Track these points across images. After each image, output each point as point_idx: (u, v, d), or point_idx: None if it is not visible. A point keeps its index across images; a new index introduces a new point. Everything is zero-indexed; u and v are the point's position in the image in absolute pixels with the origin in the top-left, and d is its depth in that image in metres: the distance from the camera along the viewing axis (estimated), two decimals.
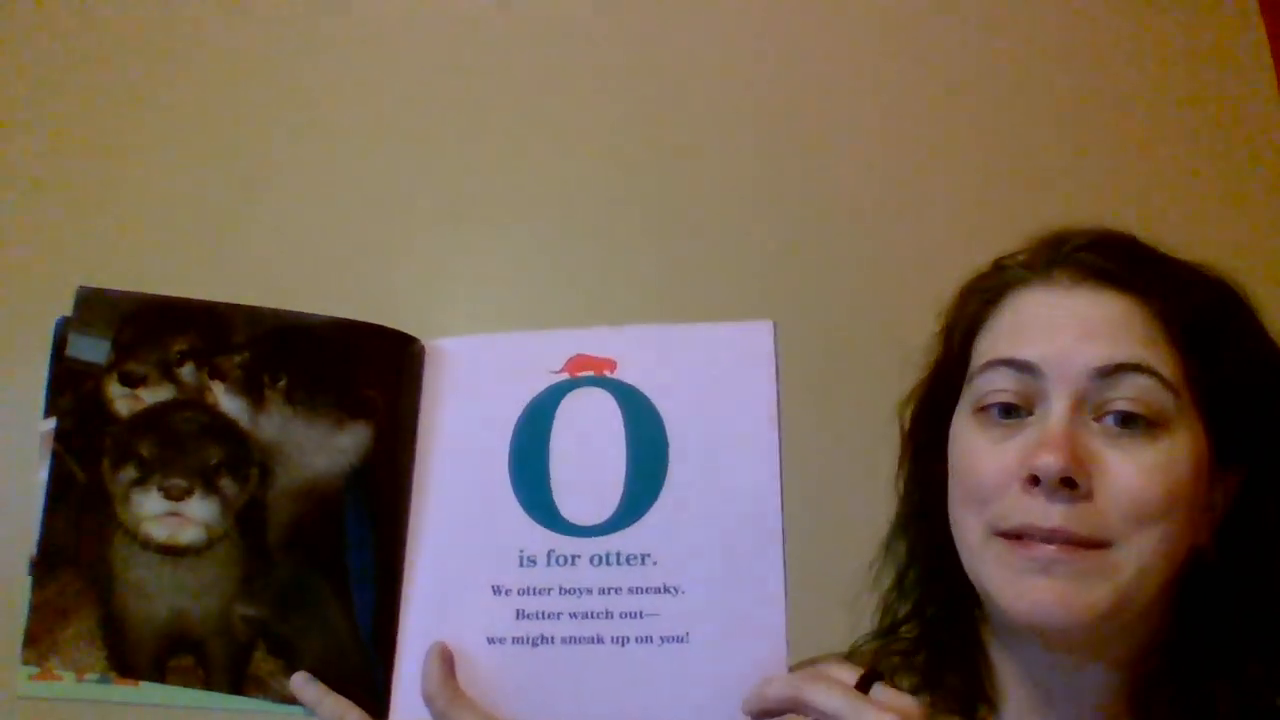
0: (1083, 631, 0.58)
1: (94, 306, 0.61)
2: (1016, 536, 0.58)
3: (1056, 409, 0.58)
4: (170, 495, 0.58)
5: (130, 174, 1.26)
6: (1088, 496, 0.56)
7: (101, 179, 1.26)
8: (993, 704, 0.65)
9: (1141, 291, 0.60)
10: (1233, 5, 1.46)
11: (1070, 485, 0.56)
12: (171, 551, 0.58)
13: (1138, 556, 0.56)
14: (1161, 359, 0.58)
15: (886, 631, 0.69)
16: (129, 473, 0.59)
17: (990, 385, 0.61)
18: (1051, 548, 0.56)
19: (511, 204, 1.32)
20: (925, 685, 0.66)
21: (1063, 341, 0.59)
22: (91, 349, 0.60)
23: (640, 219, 1.33)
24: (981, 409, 0.61)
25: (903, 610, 0.69)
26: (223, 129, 1.28)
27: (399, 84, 1.34)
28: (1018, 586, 0.57)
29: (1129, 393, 0.57)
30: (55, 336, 0.60)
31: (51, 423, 0.59)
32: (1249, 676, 0.58)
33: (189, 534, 0.58)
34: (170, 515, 0.58)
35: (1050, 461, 0.56)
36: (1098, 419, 0.58)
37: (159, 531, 0.58)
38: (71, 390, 0.60)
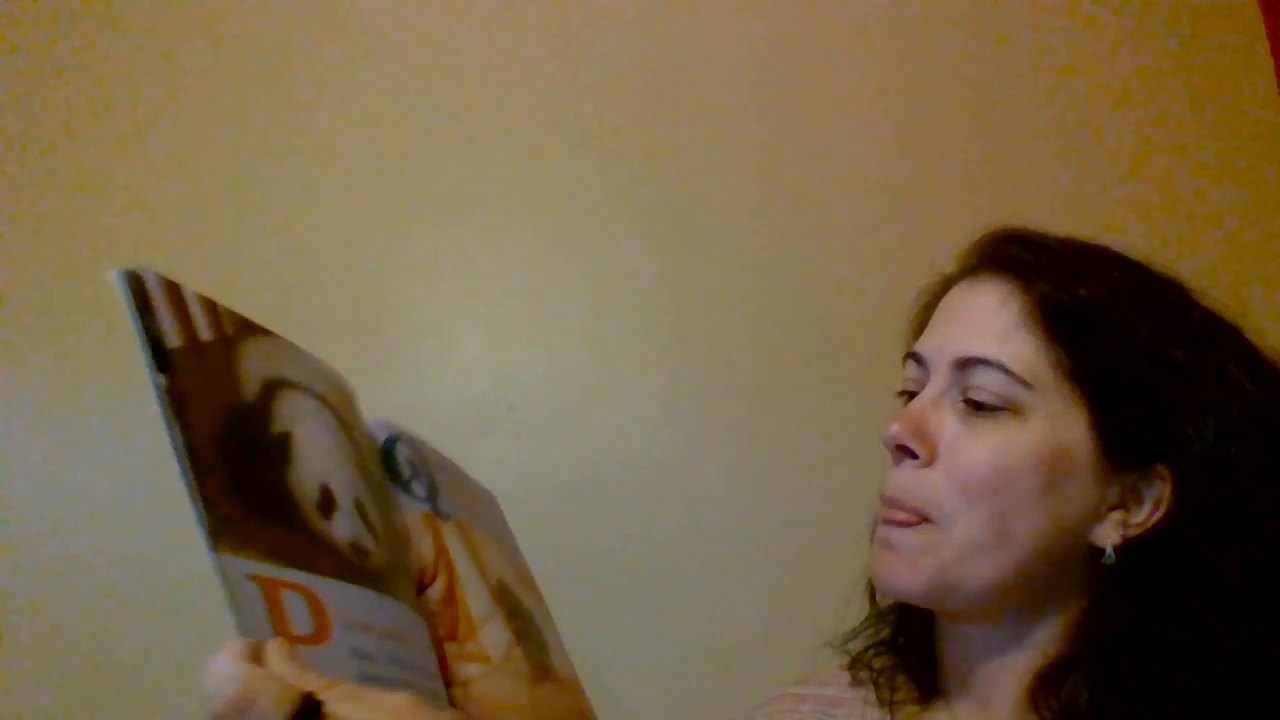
0: (925, 602, 0.64)
1: None
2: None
3: (926, 392, 0.64)
4: None
5: (126, 176, 1.27)
6: (929, 464, 0.62)
7: (98, 181, 1.26)
8: (937, 679, 0.70)
9: (1021, 276, 0.63)
10: (1233, 5, 1.49)
11: (907, 453, 0.62)
12: None
13: (963, 534, 0.60)
14: (1019, 350, 0.61)
15: (878, 618, 0.74)
16: None
17: (905, 374, 0.68)
18: (889, 528, 0.63)
19: (504, 206, 1.36)
20: (900, 665, 0.72)
21: (939, 335, 0.66)
22: None
23: (629, 226, 1.37)
24: (899, 395, 0.69)
25: (884, 600, 0.73)
26: (219, 129, 1.30)
27: (393, 87, 1.37)
28: (873, 556, 0.65)
29: (978, 382, 0.61)
30: None
31: None
32: (1153, 677, 0.58)
33: None
34: None
35: (890, 431, 0.63)
36: (962, 401, 0.62)
37: None
38: None
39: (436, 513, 0.74)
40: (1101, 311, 0.61)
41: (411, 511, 0.71)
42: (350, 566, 0.53)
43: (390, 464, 0.71)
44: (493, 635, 0.72)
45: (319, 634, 0.47)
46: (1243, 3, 1.48)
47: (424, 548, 0.70)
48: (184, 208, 1.26)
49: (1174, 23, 1.48)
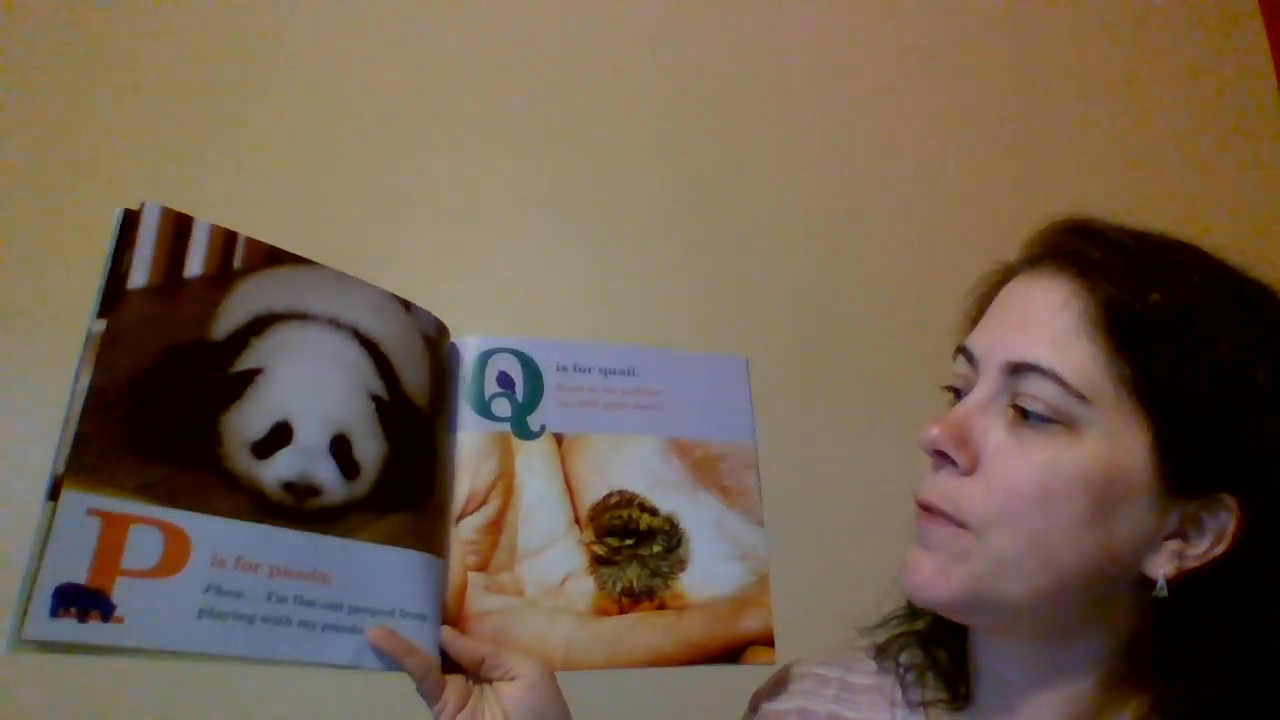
0: (952, 613, 0.59)
1: None
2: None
3: (974, 394, 0.59)
4: None
5: (124, 185, 1.22)
6: (969, 473, 0.57)
7: (91, 182, 1.22)
8: (968, 684, 0.66)
9: (1086, 275, 0.57)
10: (1233, 5, 1.56)
11: (946, 459, 0.58)
12: None
13: (997, 549, 0.56)
14: (1077, 359, 0.55)
15: (911, 614, 0.70)
16: None
17: (954, 370, 0.63)
18: (928, 518, 0.59)
19: (507, 204, 1.31)
20: (929, 665, 0.68)
21: (994, 332, 0.60)
22: None
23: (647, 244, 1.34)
24: (946, 390, 0.64)
25: None
26: (218, 128, 1.27)
27: (395, 85, 1.32)
28: (907, 556, 0.60)
29: (1029, 390, 0.56)
30: None
31: None
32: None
33: None
34: None
35: (929, 435, 0.58)
36: (1011, 408, 0.57)
37: None
38: None
39: (520, 432, 0.74)
40: (1174, 320, 0.55)
41: (476, 434, 0.72)
42: (267, 505, 0.58)
43: (474, 383, 0.73)
44: (544, 565, 0.73)
45: (160, 569, 0.54)
46: (1243, 3, 1.56)
47: (482, 472, 0.72)
48: (183, 204, 1.23)
49: (1174, 23, 1.52)
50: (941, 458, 0.59)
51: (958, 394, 0.62)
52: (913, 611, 0.70)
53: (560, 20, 1.39)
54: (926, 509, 0.59)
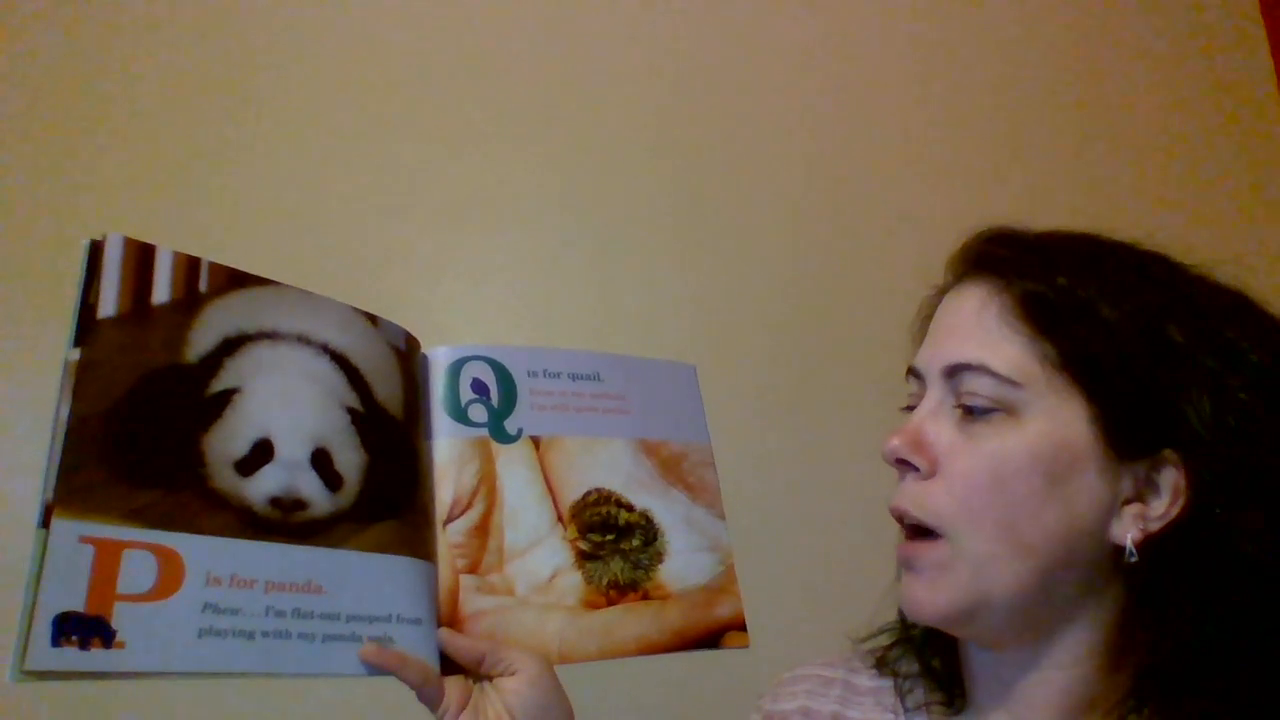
0: (952, 626, 0.62)
1: None
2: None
3: (923, 404, 0.63)
4: None
5: (127, 198, 1.23)
6: (930, 476, 0.61)
7: (96, 189, 1.21)
8: (964, 689, 0.68)
9: (1000, 275, 0.62)
10: (1233, 5, 1.55)
11: (909, 466, 0.62)
12: None
13: (972, 551, 0.59)
14: (1003, 350, 0.59)
15: (904, 623, 0.72)
16: None
17: (907, 390, 0.67)
18: (906, 545, 0.62)
19: (506, 204, 1.32)
20: (925, 672, 0.70)
21: (930, 346, 0.65)
22: None
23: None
24: (904, 411, 0.67)
25: None
26: (217, 130, 1.27)
27: (394, 85, 1.33)
28: (902, 580, 0.63)
29: (968, 388, 0.60)
30: None
31: None
32: (1203, 685, 0.56)
33: None
34: None
35: (889, 446, 0.63)
36: (958, 408, 0.61)
37: None
38: None
39: (498, 436, 0.75)
40: (1084, 298, 0.59)
41: (456, 441, 0.73)
42: (256, 522, 0.59)
43: (450, 391, 0.74)
44: (532, 564, 0.74)
45: (156, 592, 0.54)
46: (1243, 3, 1.54)
47: (464, 477, 0.73)
48: (182, 205, 1.23)
49: (1174, 22, 1.51)
50: (904, 465, 0.62)
51: (912, 410, 0.65)
52: (905, 621, 0.72)
53: (531, 30, 1.39)
54: (900, 517, 0.63)
